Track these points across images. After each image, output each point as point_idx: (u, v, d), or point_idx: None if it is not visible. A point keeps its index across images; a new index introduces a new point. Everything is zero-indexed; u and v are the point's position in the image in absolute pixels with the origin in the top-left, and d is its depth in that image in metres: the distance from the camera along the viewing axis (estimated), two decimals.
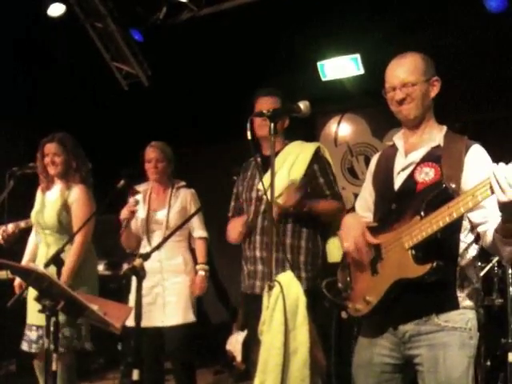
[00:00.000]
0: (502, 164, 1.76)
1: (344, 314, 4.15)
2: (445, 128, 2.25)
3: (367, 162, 5.96)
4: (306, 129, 4.55)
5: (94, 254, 3.65)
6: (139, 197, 3.81)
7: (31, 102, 5.70)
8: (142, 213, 3.81)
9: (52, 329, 2.53)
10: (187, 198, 3.84)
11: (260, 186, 2.95)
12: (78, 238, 3.47)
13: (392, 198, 2.20)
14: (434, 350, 2.06)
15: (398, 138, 2.31)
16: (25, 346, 3.48)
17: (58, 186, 3.61)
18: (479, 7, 4.72)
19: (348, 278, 2.28)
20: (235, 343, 4.93)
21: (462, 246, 2.10)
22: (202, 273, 3.79)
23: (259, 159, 3.12)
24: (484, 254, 3.61)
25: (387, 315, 2.13)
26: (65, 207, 3.54)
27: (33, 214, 3.65)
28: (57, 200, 3.56)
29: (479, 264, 2.15)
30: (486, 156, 2.14)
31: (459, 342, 2.06)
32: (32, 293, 2.79)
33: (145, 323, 3.62)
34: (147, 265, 3.24)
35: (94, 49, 6.24)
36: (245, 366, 4.80)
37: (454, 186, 2.02)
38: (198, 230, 3.86)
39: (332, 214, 2.99)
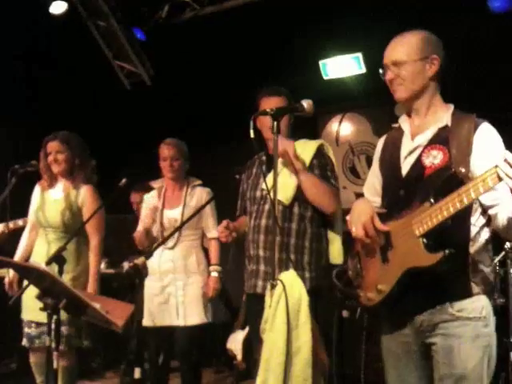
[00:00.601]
0: (509, 153, 1.72)
1: (345, 313, 4.15)
2: (452, 107, 2.17)
3: (369, 161, 5.96)
4: (308, 128, 4.54)
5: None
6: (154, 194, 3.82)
7: (33, 100, 5.70)
8: (156, 216, 3.79)
9: (53, 327, 2.53)
10: (203, 197, 3.80)
11: (264, 186, 2.93)
12: (93, 241, 3.53)
13: (400, 183, 2.15)
14: (449, 340, 2.02)
15: (404, 121, 2.25)
16: (25, 342, 3.49)
17: (61, 185, 3.61)
18: (482, 7, 4.71)
19: (358, 266, 2.23)
20: (236, 342, 4.93)
21: (474, 230, 2.04)
22: (215, 274, 3.75)
23: (264, 158, 3.10)
24: None
25: (402, 305, 2.09)
26: (70, 207, 3.54)
27: (32, 211, 3.64)
28: (62, 199, 3.56)
29: (490, 247, 2.08)
30: (496, 135, 2.06)
31: (473, 332, 2.01)
32: (32, 290, 2.78)
33: (159, 322, 3.66)
34: (160, 265, 3.28)
35: (97, 47, 6.25)
36: (245, 364, 4.81)
37: (463, 170, 1.96)
38: (212, 230, 3.79)
39: (322, 196, 2.88)
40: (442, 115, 2.14)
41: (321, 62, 5.78)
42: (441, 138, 2.08)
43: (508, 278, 3.52)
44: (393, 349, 2.18)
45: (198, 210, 2.84)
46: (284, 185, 2.88)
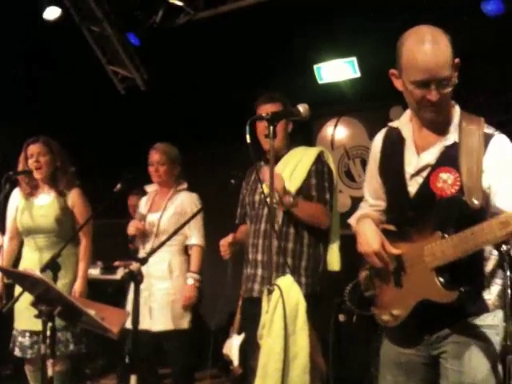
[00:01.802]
0: None
1: (342, 317, 4.14)
2: (458, 110, 2.00)
3: (364, 164, 5.95)
4: (303, 132, 4.53)
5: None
6: (144, 201, 3.81)
7: (28, 105, 5.68)
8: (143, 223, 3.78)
9: (48, 334, 2.51)
10: (184, 202, 3.74)
11: (264, 188, 2.94)
12: (83, 244, 3.53)
13: (408, 204, 2.03)
14: (460, 347, 1.97)
15: (405, 126, 2.07)
16: (18, 352, 3.46)
17: (47, 190, 3.59)
18: (476, 10, 4.73)
19: (370, 282, 2.17)
20: (232, 347, 4.91)
21: (487, 248, 1.95)
22: (190, 281, 3.65)
23: (262, 163, 3.10)
24: None
25: (415, 327, 2.04)
26: (62, 211, 3.52)
27: (14, 219, 3.60)
28: (51, 204, 3.53)
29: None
30: (508, 149, 1.92)
31: (485, 340, 1.97)
32: (25, 299, 2.76)
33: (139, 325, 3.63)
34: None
35: (91, 52, 6.23)
36: (242, 370, 4.79)
37: (476, 202, 1.85)
38: (194, 237, 3.74)
39: (315, 218, 2.92)
40: (450, 127, 1.98)
41: (315, 66, 5.78)
42: (450, 158, 1.94)
43: (505, 281, 3.50)
44: (394, 358, 2.13)
45: (188, 221, 2.81)
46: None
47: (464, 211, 1.86)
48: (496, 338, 1.97)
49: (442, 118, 1.95)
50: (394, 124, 2.18)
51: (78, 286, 3.47)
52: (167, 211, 3.73)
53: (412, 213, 2.01)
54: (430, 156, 1.99)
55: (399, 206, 2.09)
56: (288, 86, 5.01)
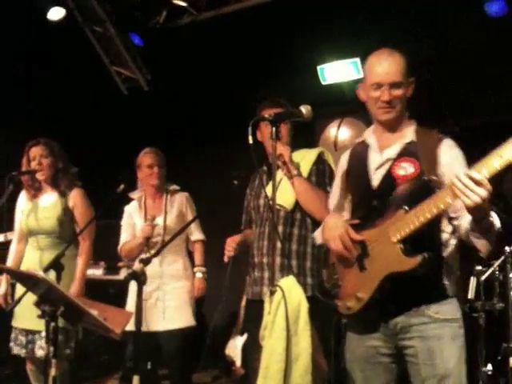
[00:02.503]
0: (460, 173, 1.85)
1: (345, 319, 4.14)
2: (414, 123, 2.28)
3: None
4: (306, 132, 4.54)
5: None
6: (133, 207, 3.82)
7: (30, 105, 5.68)
8: (138, 220, 3.82)
9: (51, 334, 2.51)
10: (183, 202, 3.87)
11: (267, 191, 2.94)
12: (83, 245, 3.53)
13: (372, 195, 2.22)
14: (428, 341, 2.11)
15: (370, 135, 2.32)
16: (16, 350, 3.49)
17: (50, 191, 3.62)
18: (479, 11, 4.72)
19: (335, 277, 2.29)
20: (234, 348, 4.91)
21: (444, 236, 2.16)
22: (199, 275, 3.85)
23: (265, 168, 3.12)
24: (484, 258, 3.64)
25: (377, 310, 2.17)
26: (63, 212, 3.53)
27: (20, 220, 3.63)
28: (54, 205, 3.56)
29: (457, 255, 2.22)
30: (458, 149, 2.19)
31: (451, 333, 2.13)
32: (28, 298, 2.77)
33: (145, 328, 3.64)
34: (148, 270, 3.25)
35: (94, 53, 6.24)
36: (244, 370, 4.79)
37: (434, 178, 2.08)
38: (195, 232, 3.92)
39: (313, 200, 2.88)
40: (407, 131, 2.25)
41: (319, 67, 5.78)
42: (409, 152, 2.19)
43: (507, 283, 3.51)
44: (360, 353, 2.25)
45: (184, 228, 2.79)
46: (286, 190, 2.89)
47: (425, 188, 2.05)
48: (460, 331, 2.15)
49: (395, 118, 2.23)
50: (358, 139, 2.42)
51: (74, 287, 3.46)
52: (171, 213, 3.81)
53: (376, 202, 2.19)
54: (392, 151, 2.23)
55: (364, 200, 2.26)
56: (291, 87, 5.02)
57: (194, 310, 3.79)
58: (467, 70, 4.88)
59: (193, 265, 3.90)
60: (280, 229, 2.90)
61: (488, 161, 1.82)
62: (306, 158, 3.02)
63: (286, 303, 2.27)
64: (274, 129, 2.37)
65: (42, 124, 5.27)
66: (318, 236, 2.48)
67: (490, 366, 3.56)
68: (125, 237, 3.85)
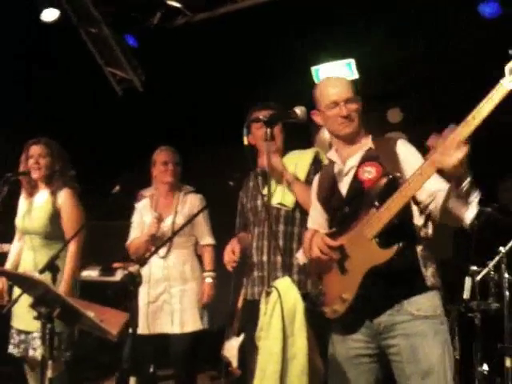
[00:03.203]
0: (447, 129, 1.97)
1: None
2: (370, 135, 2.44)
3: None
4: (301, 133, 4.54)
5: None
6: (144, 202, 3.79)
7: (26, 106, 5.67)
8: (148, 218, 3.79)
9: (47, 336, 2.51)
10: (195, 204, 3.81)
11: (264, 192, 2.96)
12: (71, 247, 3.46)
13: (343, 203, 2.34)
14: (410, 339, 2.18)
15: (333, 154, 2.48)
16: (11, 349, 3.50)
17: (43, 191, 3.61)
18: (473, 13, 4.74)
19: (319, 286, 2.39)
20: (231, 349, 4.90)
21: (417, 229, 2.25)
22: (209, 280, 3.78)
23: (259, 170, 3.12)
24: (479, 259, 3.65)
25: (360, 311, 2.24)
26: (52, 212, 3.52)
27: (18, 219, 3.64)
28: (45, 205, 3.55)
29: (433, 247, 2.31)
30: (412, 146, 2.36)
31: (433, 329, 2.19)
32: (25, 298, 2.76)
33: (152, 330, 3.65)
34: (154, 272, 3.29)
35: (89, 54, 6.23)
36: (241, 371, 4.78)
37: (398, 174, 2.20)
38: (206, 236, 3.85)
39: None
40: (364, 142, 2.41)
41: (313, 68, 5.79)
42: (370, 157, 2.34)
43: (502, 283, 3.52)
44: (343, 354, 2.31)
45: (190, 220, 2.89)
46: (286, 190, 2.90)
47: (391, 185, 2.15)
48: (441, 327, 2.23)
49: (354, 130, 2.38)
50: (325, 162, 2.67)
51: (61, 287, 3.38)
52: (181, 214, 3.78)
53: (347, 208, 2.31)
54: (354, 160, 2.39)
55: (337, 210, 2.37)
56: (286, 88, 5.03)
57: (202, 313, 3.73)
58: (461, 69, 4.90)
59: (201, 268, 3.84)
60: (281, 228, 2.93)
61: (464, 124, 1.93)
62: (302, 159, 3.03)
63: (282, 304, 2.28)
64: (268, 130, 2.37)
65: (37, 124, 5.26)
66: (300, 257, 2.58)
67: (485, 366, 3.57)
68: (134, 234, 3.84)
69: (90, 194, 3.72)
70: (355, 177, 2.34)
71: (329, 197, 2.44)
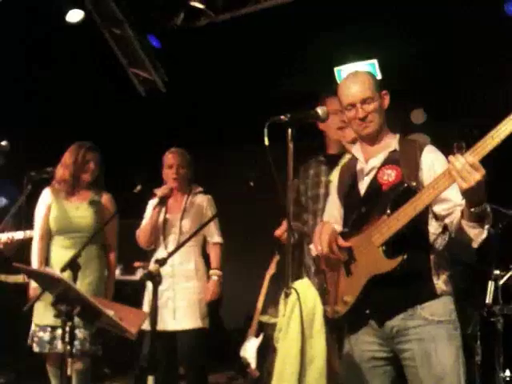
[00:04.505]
0: (458, 155, 1.93)
1: None
2: (398, 135, 2.41)
3: None
4: (322, 134, 4.52)
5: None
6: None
7: (48, 107, 5.74)
8: (159, 216, 3.83)
9: (67, 333, 2.53)
10: (203, 204, 3.87)
11: (331, 178, 2.98)
12: (114, 248, 3.69)
13: (360, 202, 2.34)
14: (424, 343, 2.17)
15: (357, 150, 2.46)
16: (36, 348, 3.51)
17: (86, 192, 3.69)
18: (499, 11, 4.67)
19: (324, 284, 2.40)
20: (249, 350, 4.90)
21: (432, 237, 2.25)
22: (214, 278, 3.82)
23: (323, 158, 3.19)
24: (502, 262, 3.59)
25: (371, 314, 2.24)
26: (96, 212, 3.63)
27: (54, 219, 3.65)
28: (90, 206, 3.65)
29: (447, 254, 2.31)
30: (439, 153, 2.31)
31: (447, 334, 2.19)
32: (48, 295, 2.80)
33: (158, 326, 3.66)
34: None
35: (112, 55, 6.28)
36: (259, 373, 4.77)
37: (414, 183, 2.20)
38: (214, 235, 3.89)
39: None
40: (390, 141, 2.38)
41: (336, 69, 5.76)
42: (392, 159, 2.33)
43: None
44: (356, 357, 2.30)
45: (200, 228, 2.99)
46: None
47: (405, 193, 2.15)
48: (455, 333, 2.22)
49: (374, 130, 2.36)
50: (347, 157, 2.62)
51: (109, 292, 3.62)
52: (189, 212, 3.83)
53: (364, 208, 2.30)
54: (377, 160, 2.38)
55: (353, 208, 2.37)
56: (308, 89, 5.01)
57: (204, 311, 3.76)
58: (486, 68, 4.83)
59: (208, 267, 3.89)
60: None
61: (481, 144, 1.91)
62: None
63: (301, 306, 2.26)
64: (291, 130, 2.36)
65: (59, 125, 5.32)
66: (313, 248, 2.56)
67: (508, 372, 3.52)
68: (144, 222, 3.88)
69: (112, 194, 3.76)
70: (375, 178, 2.33)
71: (347, 193, 2.44)
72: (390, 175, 2.29)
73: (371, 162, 2.38)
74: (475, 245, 2.08)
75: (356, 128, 2.38)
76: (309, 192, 3.18)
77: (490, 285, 3.55)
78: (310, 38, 5.30)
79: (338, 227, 2.43)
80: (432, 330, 2.18)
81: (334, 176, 2.59)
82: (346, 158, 2.95)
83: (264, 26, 5.44)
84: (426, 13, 4.82)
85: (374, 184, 2.33)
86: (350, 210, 2.41)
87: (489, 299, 3.54)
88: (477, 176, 1.90)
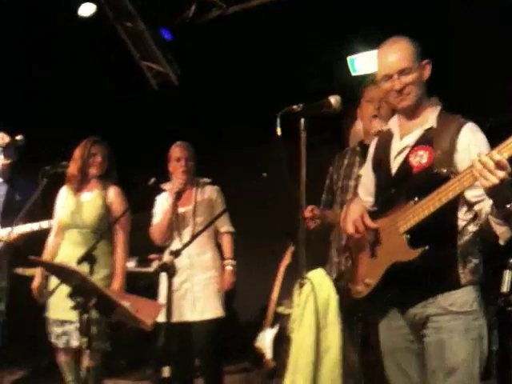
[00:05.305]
0: (481, 153, 1.85)
1: None
2: (439, 108, 2.26)
3: None
4: (334, 124, 4.48)
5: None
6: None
7: (62, 100, 5.77)
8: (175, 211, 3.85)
9: (84, 326, 2.55)
10: (213, 194, 3.93)
11: (361, 172, 2.95)
12: (121, 238, 3.62)
13: (391, 182, 2.26)
14: (440, 333, 2.12)
15: (394, 123, 2.34)
16: (54, 339, 3.55)
17: (94, 186, 3.70)
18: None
19: (350, 262, 2.37)
20: (265, 340, 4.91)
21: (461, 223, 2.15)
22: (229, 268, 3.88)
23: (358, 148, 3.15)
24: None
25: (395, 299, 2.20)
26: (102, 207, 3.61)
27: (65, 214, 3.67)
28: (95, 200, 3.65)
29: (478, 239, 2.19)
30: (479, 134, 2.16)
31: (464, 326, 2.11)
32: (61, 290, 2.82)
33: (176, 318, 3.69)
34: (177, 261, 3.27)
35: (124, 48, 6.28)
36: (274, 363, 4.78)
37: (444, 170, 2.08)
38: (225, 225, 3.94)
39: None
40: (428, 116, 2.23)
41: (349, 58, 5.72)
42: (426, 139, 2.19)
43: None
44: (390, 340, 2.27)
45: (212, 222, 3.01)
46: None
47: (434, 180, 2.05)
48: (475, 323, 2.13)
49: (411, 103, 2.22)
50: (385, 127, 2.45)
51: (115, 283, 3.56)
52: (200, 204, 3.87)
53: (394, 190, 2.23)
54: (411, 138, 2.24)
55: (384, 186, 2.30)
56: (321, 78, 4.98)
57: (223, 301, 3.82)
58: (502, 61, 4.77)
59: (221, 257, 3.93)
60: None
61: (510, 141, 1.81)
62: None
63: (316, 296, 2.26)
64: (303, 120, 2.34)
65: (72, 119, 5.35)
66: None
67: None
68: (156, 221, 3.92)
69: (125, 187, 3.78)
70: (406, 159, 2.21)
71: (380, 168, 2.35)
72: (422, 157, 2.16)
73: (405, 139, 2.25)
74: (502, 242, 2.02)
75: (392, 100, 2.25)
76: (339, 182, 3.16)
77: (507, 274, 3.52)
78: (323, 27, 5.25)
79: (371, 198, 2.40)
80: (449, 321, 2.12)
81: (371, 146, 2.48)
82: None
83: (276, 17, 5.40)
84: (426, 13, 4.77)
85: (405, 165, 2.21)
86: (380, 187, 2.34)
87: (505, 288, 3.50)
88: (501, 174, 1.80)
